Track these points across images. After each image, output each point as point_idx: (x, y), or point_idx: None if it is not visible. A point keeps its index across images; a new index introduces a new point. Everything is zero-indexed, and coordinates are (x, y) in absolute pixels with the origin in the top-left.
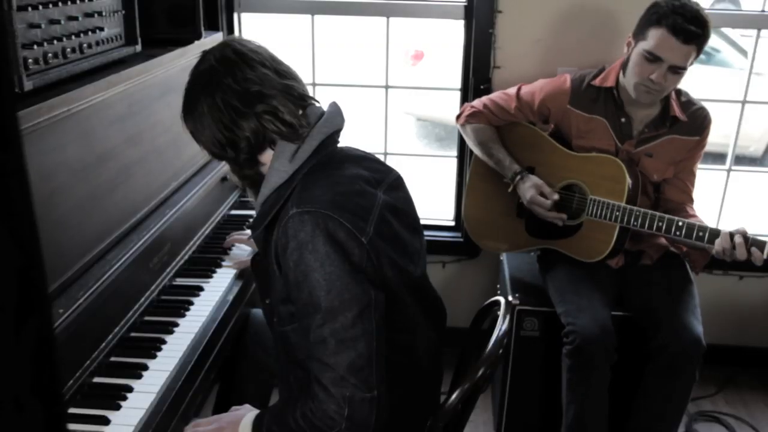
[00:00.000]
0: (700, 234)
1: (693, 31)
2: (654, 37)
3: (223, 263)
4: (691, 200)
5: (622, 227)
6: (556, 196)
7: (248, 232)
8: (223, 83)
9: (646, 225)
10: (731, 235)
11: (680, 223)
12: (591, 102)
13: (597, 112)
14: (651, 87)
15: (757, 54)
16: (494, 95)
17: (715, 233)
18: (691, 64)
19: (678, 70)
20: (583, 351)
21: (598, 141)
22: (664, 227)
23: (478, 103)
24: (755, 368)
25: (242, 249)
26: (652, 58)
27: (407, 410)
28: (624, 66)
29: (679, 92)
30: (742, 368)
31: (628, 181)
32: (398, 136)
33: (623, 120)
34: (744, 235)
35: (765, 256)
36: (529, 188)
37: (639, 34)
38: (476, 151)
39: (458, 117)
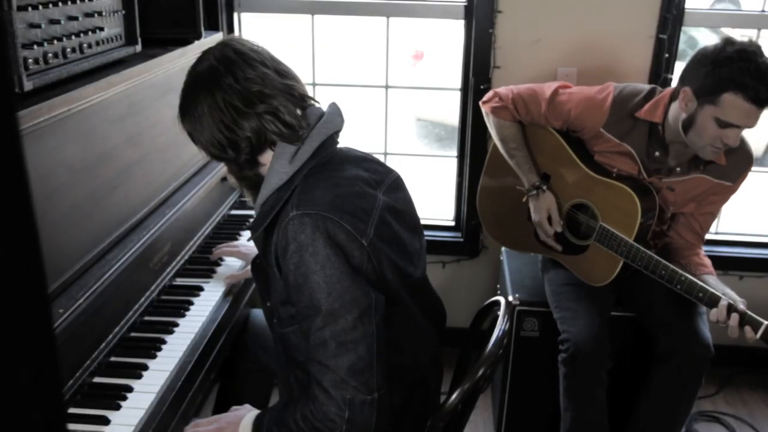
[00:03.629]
0: (700, 295)
1: None
2: (729, 105)
3: (212, 281)
4: (702, 242)
5: (626, 262)
6: (559, 228)
7: (237, 243)
8: (224, 83)
9: (649, 269)
10: (729, 308)
11: (683, 278)
12: (626, 131)
13: (629, 141)
14: (723, 148)
15: None
16: (525, 90)
17: (714, 299)
18: None
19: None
20: (578, 359)
21: (621, 164)
22: (666, 277)
23: (506, 94)
24: (755, 368)
25: (229, 265)
26: (725, 125)
27: (407, 411)
28: (687, 125)
29: None
30: (742, 368)
31: (640, 220)
32: (398, 136)
33: (657, 154)
34: (741, 314)
35: (758, 337)
36: (541, 209)
37: (706, 95)
38: (497, 143)
39: (483, 102)
